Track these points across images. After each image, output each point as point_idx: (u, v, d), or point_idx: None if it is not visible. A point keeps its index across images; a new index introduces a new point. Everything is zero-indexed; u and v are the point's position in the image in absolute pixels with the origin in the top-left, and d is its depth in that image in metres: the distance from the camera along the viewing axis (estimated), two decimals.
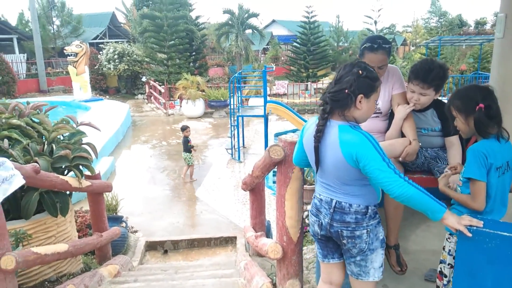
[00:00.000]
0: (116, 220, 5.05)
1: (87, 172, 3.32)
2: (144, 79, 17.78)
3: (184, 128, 7.84)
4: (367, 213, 1.83)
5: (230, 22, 20.51)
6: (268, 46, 28.67)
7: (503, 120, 2.42)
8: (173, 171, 8.42)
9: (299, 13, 19.58)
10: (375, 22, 23.08)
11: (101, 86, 17.99)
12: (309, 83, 18.45)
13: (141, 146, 10.61)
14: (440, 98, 2.52)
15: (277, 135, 10.37)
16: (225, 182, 7.80)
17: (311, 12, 20.63)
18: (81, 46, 13.77)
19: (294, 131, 9.04)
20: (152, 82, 16.13)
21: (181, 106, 14.37)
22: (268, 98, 9.93)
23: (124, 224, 5.18)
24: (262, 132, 9.87)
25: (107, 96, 17.06)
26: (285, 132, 8.06)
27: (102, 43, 20.54)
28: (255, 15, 20.81)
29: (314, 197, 2.00)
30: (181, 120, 13.55)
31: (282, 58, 26.08)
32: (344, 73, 1.75)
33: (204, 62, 19.25)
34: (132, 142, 11.14)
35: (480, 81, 14.55)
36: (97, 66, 17.60)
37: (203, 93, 14.20)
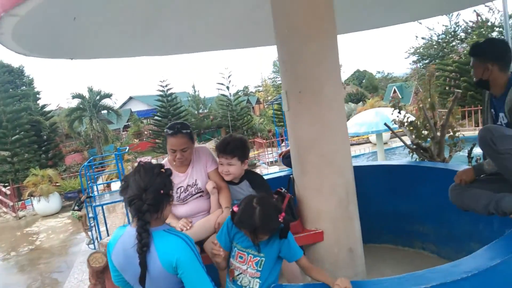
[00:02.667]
0: None
1: None
2: None
3: None
4: None
5: (81, 106, 19.69)
6: (129, 123, 28.21)
7: (300, 179, 2.72)
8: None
9: (155, 87, 19.95)
10: (228, 87, 24.85)
11: None
12: None
13: None
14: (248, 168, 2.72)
15: None
16: None
17: (166, 86, 21.21)
18: None
19: None
20: None
21: (32, 205, 12.78)
22: None
23: None
24: None
25: None
26: None
27: None
28: (108, 95, 20.49)
29: None
30: (35, 221, 12.00)
31: (145, 132, 25.85)
32: (149, 177, 1.68)
33: (57, 151, 17.84)
34: None
35: None
36: None
37: (57, 186, 12.94)
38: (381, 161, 9.85)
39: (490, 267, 1.78)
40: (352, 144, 15.86)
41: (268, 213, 1.82)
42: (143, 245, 1.62)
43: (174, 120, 21.11)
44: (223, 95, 24.88)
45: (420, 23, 18.12)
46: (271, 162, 15.96)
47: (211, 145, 21.12)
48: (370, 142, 15.16)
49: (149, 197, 1.65)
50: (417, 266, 2.99)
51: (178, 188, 2.53)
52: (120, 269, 1.75)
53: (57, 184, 13.07)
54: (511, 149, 2.10)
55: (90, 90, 19.54)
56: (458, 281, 1.71)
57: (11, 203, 13.00)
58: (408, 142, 4.13)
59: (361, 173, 4.02)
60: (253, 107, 34.51)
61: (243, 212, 1.85)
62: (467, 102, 14.16)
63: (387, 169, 3.83)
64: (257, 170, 13.22)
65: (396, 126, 4.39)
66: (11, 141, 15.14)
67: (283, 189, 2.88)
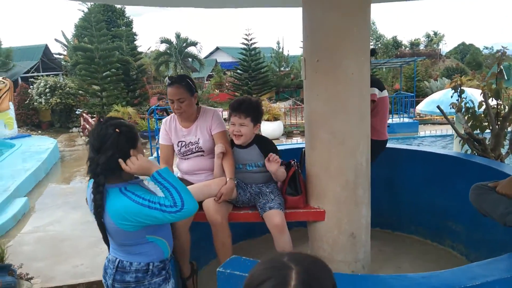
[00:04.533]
0: (1, 269, 4.78)
1: None
2: (78, 112, 17.33)
3: None
4: (149, 271, 1.82)
5: (168, 51, 20.62)
6: (212, 73, 29.03)
7: (309, 154, 2.59)
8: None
9: (241, 40, 20.04)
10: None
11: (33, 121, 17.31)
12: None
13: (64, 184, 10.22)
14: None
15: None
16: None
17: (251, 40, 21.16)
18: (4, 82, 13.25)
19: None
20: (85, 115, 15.74)
21: None
22: None
23: (12, 273, 4.91)
24: None
25: (39, 132, 16.41)
26: None
27: (34, 77, 19.92)
28: (194, 43, 21.10)
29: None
30: None
31: (226, 84, 26.43)
32: (101, 138, 1.69)
33: (144, 91, 19.10)
34: (57, 179, 10.70)
35: (402, 100, 15.39)
36: (27, 101, 16.96)
37: (135, 124, 14.01)
38: (422, 147, 8.97)
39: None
40: (434, 123, 14.65)
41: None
42: (97, 207, 1.70)
43: (255, 74, 21.24)
44: None
45: None
46: None
47: (288, 104, 20.99)
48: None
49: (102, 160, 1.67)
50: (441, 265, 2.77)
51: (180, 142, 2.59)
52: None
53: (136, 122, 14.14)
54: None
55: (178, 36, 20.31)
56: None
57: None
58: (463, 131, 3.68)
59: (397, 157, 3.76)
60: None
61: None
62: None
63: (427, 157, 3.49)
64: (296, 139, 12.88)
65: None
66: (102, 77, 16.53)
67: (294, 161, 2.78)
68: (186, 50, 20.87)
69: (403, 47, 39.47)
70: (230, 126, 2.56)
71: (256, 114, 2.52)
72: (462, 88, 3.77)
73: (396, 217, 3.71)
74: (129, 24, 25.12)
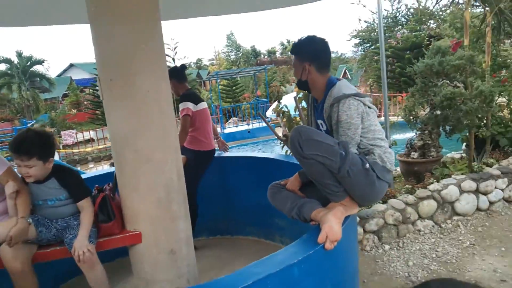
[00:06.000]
0: None
1: None
2: None
3: None
4: None
5: (9, 71, 18.27)
6: (68, 92, 26.68)
7: (119, 176, 2.50)
8: None
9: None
10: (173, 59, 23.94)
11: None
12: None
13: None
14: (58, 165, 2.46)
15: None
16: None
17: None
18: None
19: None
20: None
21: None
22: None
23: None
24: None
25: None
26: None
27: None
28: (40, 61, 19.09)
29: None
30: None
31: (85, 102, 24.57)
32: None
33: None
34: None
35: (259, 106, 16.38)
36: None
37: None
38: (249, 152, 9.79)
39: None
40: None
41: None
42: None
43: None
44: (169, 66, 24.04)
45: (364, 6, 18.20)
46: None
47: None
48: None
49: None
50: None
51: None
52: None
53: None
54: (315, 155, 1.99)
55: (19, 55, 18.12)
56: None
57: None
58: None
59: (227, 164, 3.91)
60: (204, 82, 33.77)
61: None
62: (403, 88, 14.46)
63: (252, 161, 3.71)
64: None
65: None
66: None
67: (107, 186, 2.66)
68: (31, 69, 18.71)
69: (262, 56, 42.20)
70: (17, 167, 2.29)
71: (43, 151, 2.25)
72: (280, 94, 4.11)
73: (233, 222, 3.86)
74: None
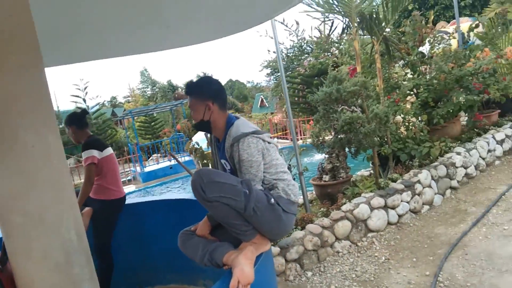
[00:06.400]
0: None
1: None
2: None
3: None
4: None
5: None
6: None
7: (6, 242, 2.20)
8: None
9: None
10: (84, 100, 22.85)
11: None
12: None
13: None
14: None
15: None
16: None
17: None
18: None
19: None
20: None
21: None
22: None
23: None
24: None
25: None
26: None
27: None
28: None
29: None
30: None
31: None
32: None
33: None
34: None
35: (179, 140, 16.17)
36: None
37: None
38: (163, 195, 9.62)
39: None
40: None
41: None
42: None
43: None
44: (79, 107, 22.84)
45: (272, 38, 19.01)
46: (127, 180, 15.02)
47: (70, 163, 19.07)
48: None
49: None
50: None
51: None
52: None
53: None
54: (219, 197, 1.94)
55: None
56: None
57: None
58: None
59: (141, 210, 3.71)
60: (120, 120, 32.52)
61: None
62: (315, 112, 15.26)
63: (166, 204, 3.57)
64: None
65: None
66: None
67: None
68: None
69: (180, 89, 42.03)
70: None
71: None
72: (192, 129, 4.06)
73: (153, 271, 3.64)
74: None
